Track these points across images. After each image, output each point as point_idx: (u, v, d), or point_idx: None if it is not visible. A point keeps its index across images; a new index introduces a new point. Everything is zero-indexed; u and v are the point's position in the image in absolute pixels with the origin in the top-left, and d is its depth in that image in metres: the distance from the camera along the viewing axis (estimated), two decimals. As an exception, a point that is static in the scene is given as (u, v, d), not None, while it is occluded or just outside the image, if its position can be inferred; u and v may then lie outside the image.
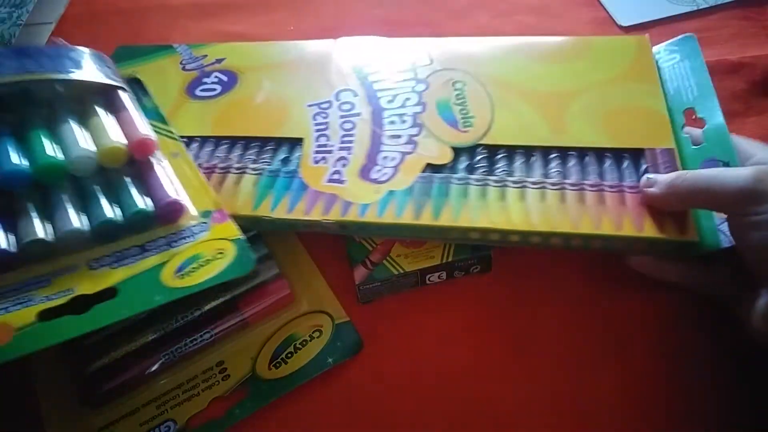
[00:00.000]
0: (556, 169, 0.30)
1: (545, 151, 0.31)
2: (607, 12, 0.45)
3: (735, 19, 0.43)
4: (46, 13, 0.51)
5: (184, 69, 0.40)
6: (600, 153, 0.31)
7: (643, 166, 0.30)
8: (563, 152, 0.31)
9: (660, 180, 0.27)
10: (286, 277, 0.32)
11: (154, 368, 0.30)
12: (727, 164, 0.30)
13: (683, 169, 0.29)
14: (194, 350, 0.30)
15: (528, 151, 0.31)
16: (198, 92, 0.38)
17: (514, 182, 0.30)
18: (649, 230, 0.27)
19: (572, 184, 0.30)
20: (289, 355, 0.29)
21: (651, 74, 0.34)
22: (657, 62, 0.35)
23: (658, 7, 0.45)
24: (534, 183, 0.30)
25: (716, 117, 0.32)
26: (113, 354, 0.30)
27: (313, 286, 0.33)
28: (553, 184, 0.30)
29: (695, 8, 0.44)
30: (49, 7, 0.51)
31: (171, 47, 0.42)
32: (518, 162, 0.31)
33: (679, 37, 0.36)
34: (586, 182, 0.30)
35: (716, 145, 0.31)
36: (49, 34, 0.50)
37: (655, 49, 0.36)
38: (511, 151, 0.32)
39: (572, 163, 0.31)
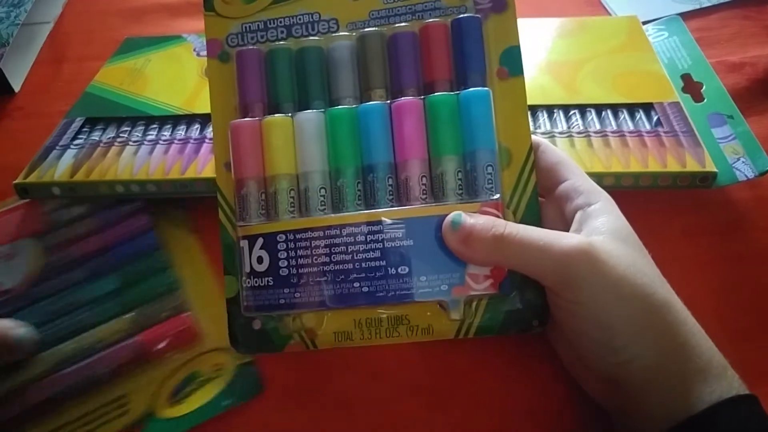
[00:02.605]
0: (577, 122, 0.32)
1: (565, 109, 0.33)
2: (609, 11, 0.45)
3: (735, 19, 0.43)
4: (44, 12, 0.50)
5: (198, 55, 0.41)
6: (614, 108, 0.33)
7: (655, 117, 0.32)
8: (581, 109, 0.33)
9: (476, 231, 0.22)
10: (192, 311, 0.30)
11: (44, 399, 0.27)
12: (731, 117, 0.32)
13: (692, 121, 0.32)
14: (92, 384, 0.28)
15: (549, 108, 0.33)
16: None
17: (543, 134, 0.32)
18: (672, 165, 0.29)
19: (596, 132, 0.32)
20: (189, 393, 0.27)
21: (645, 45, 0.37)
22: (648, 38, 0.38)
23: (661, 5, 0.44)
24: (561, 133, 0.32)
25: (713, 79, 0.35)
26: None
27: (220, 320, 0.27)
28: (579, 133, 0.32)
29: (698, 6, 0.44)
30: (47, 7, 0.50)
31: (180, 37, 0.43)
32: (542, 119, 0.33)
33: (664, 17, 0.40)
34: (608, 130, 0.32)
35: (717, 102, 0.33)
36: (48, 33, 0.49)
37: (643, 27, 0.39)
38: (533, 109, 0.33)
39: (590, 117, 0.33)
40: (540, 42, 0.38)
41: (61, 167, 0.33)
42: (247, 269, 0.24)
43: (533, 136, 0.25)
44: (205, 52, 0.41)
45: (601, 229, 0.22)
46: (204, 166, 0.32)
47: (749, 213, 0.32)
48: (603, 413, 0.24)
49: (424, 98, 0.25)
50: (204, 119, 0.35)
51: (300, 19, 0.26)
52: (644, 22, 0.40)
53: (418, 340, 0.24)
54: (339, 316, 0.25)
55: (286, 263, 0.23)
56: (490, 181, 0.23)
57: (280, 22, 0.26)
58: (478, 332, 0.24)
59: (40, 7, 0.49)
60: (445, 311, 0.24)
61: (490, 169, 0.24)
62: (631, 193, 0.28)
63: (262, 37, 0.26)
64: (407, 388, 0.27)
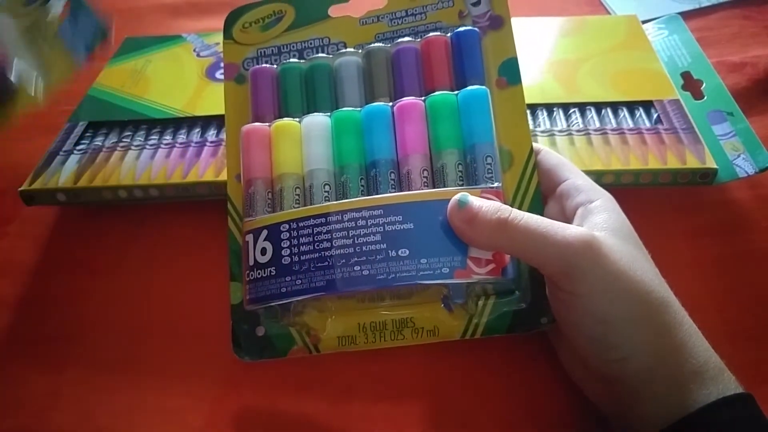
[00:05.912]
0: (576, 121, 0.32)
1: (565, 107, 0.33)
2: (608, 10, 0.46)
3: (735, 19, 0.43)
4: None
5: (198, 56, 0.41)
6: (614, 106, 0.33)
7: (655, 115, 0.32)
8: (581, 107, 0.33)
9: (482, 213, 0.22)
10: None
11: None
12: (731, 114, 0.32)
13: (692, 118, 0.32)
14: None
15: (549, 107, 0.33)
16: (219, 75, 0.39)
17: (542, 132, 0.32)
18: (672, 162, 0.29)
19: (596, 130, 0.32)
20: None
21: (645, 44, 0.37)
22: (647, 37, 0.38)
23: (660, 5, 0.44)
24: (560, 131, 0.32)
25: (713, 77, 0.35)
26: None
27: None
28: (578, 131, 0.32)
29: (697, 6, 0.44)
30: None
31: (180, 37, 0.43)
32: (541, 117, 0.33)
33: (664, 16, 0.40)
34: (607, 128, 0.32)
35: (717, 99, 0.33)
36: (47, 34, 0.49)
37: (643, 26, 0.39)
38: (533, 107, 0.33)
39: (590, 115, 0.33)
40: (540, 41, 0.38)
41: (65, 173, 0.33)
42: (251, 263, 0.24)
43: (533, 144, 0.25)
44: (205, 53, 0.41)
45: (603, 226, 0.23)
46: (205, 170, 0.32)
47: (750, 213, 0.32)
48: (603, 415, 0.24)
49: (425, 99, 0.25)
50: (205, 122, 0.35)
51: (311, 43, 0.29)
52: (644, 22, 0.40)
53: (423, 342, 0.24)
54: (343, 320, 0.25)
55: (288, 252, 0.23)
56: (489, 171, 0.24)
57: (293, 46, 0.29)
58: (485, 332, 0.24)
59: (40, 9, 0.49)
60: (450, 311, 0.24)
61: (489, 160, 0.24)
62: (631, 193, 0.28)
63: (275, 60, 0.29)
64: (407, 388, 0.27)
